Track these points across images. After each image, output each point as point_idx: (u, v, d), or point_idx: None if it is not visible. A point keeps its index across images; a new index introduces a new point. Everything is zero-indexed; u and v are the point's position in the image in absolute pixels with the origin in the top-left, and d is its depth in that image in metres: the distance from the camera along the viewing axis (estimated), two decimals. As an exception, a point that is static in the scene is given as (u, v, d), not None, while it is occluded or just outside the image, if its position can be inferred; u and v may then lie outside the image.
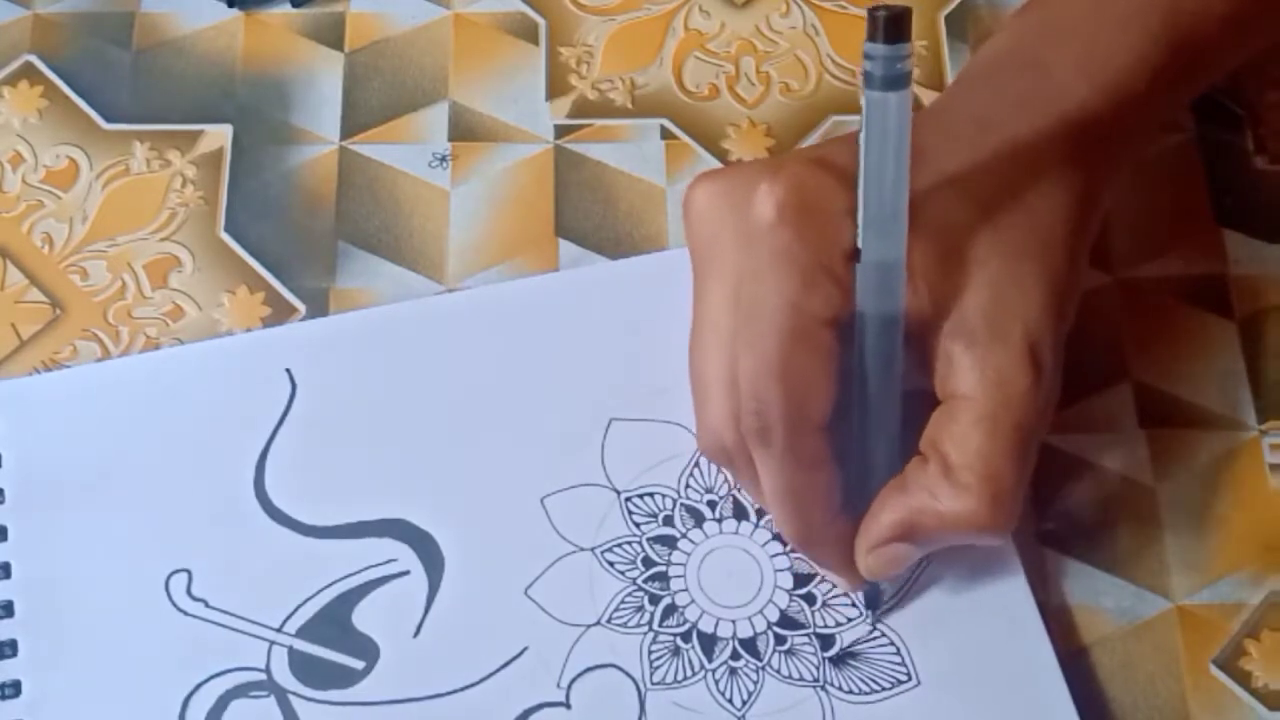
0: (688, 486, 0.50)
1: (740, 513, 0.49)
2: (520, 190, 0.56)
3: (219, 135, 0.57)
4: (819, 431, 0.43)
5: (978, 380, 0.43)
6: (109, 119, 0.57)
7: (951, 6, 0.59)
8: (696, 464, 0.50)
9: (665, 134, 0.57)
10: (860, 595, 0.47)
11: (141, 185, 0.56)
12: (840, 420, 0.44)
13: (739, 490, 0.49)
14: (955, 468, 0.43)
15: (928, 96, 0.57)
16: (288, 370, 0.51)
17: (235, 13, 0.59)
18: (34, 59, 0.58)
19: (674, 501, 0.49)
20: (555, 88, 0.58)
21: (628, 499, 0.49)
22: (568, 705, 0.46)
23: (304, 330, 0.53)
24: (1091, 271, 0.53)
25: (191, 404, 0.51)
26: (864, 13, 0.40)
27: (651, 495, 0.49)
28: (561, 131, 0.57)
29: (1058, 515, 0.50)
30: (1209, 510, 0.50)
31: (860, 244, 0.42)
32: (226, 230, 0.55)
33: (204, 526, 0.49)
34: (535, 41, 0.59)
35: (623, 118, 0.57)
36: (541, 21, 0.59)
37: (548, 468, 0.50)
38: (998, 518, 0.43)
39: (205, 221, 0.55)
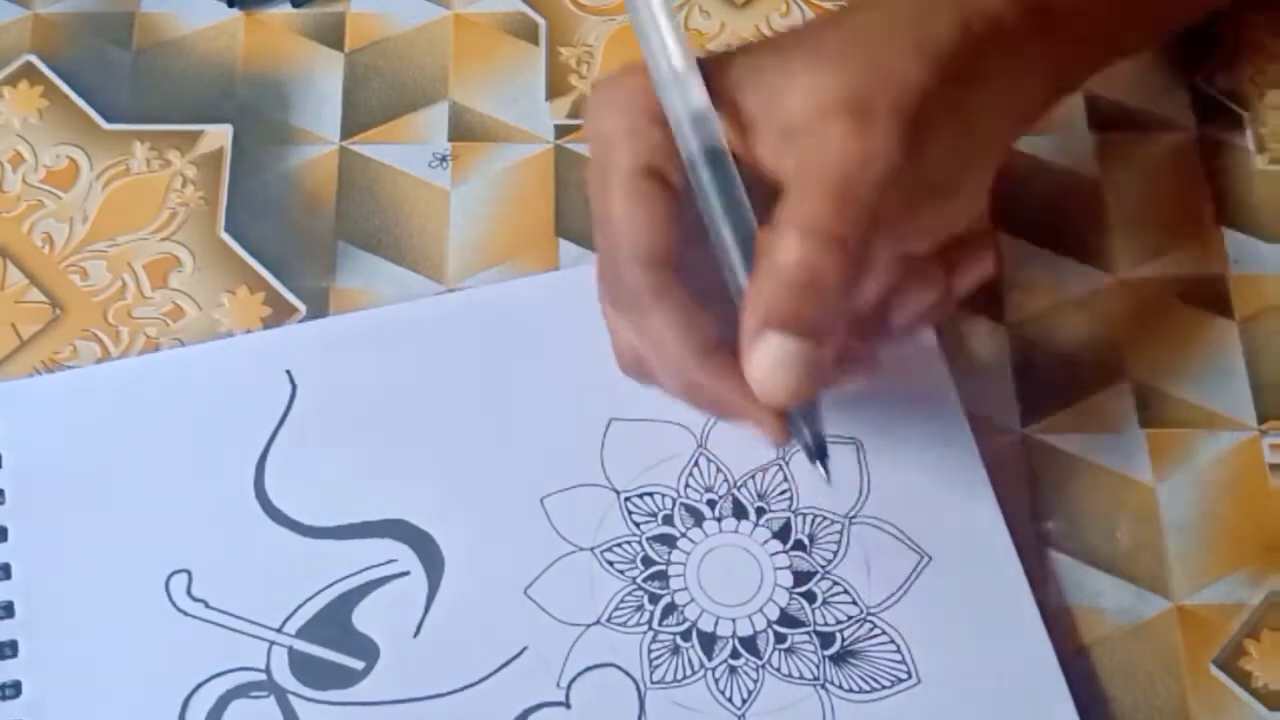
0: (687, 486, 0.50)
1: (740, 512, 0.49)
2: (520, 190, 0.56)
3: (219, 135, 0.56)
4: (665, 268, 0.43)
5: (797, 157, 0.43)
6: (109, 119, 0.57)
7: None
8: (696, 463, 0.50)
9: (665, 134, 0.57)
10: (804, 451, 0.45)
11: (141, 185, 0.56)
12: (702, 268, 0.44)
13: (738, 488, 0.49)
14: (779, 223, 0.42)
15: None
16: (288, 371, 0.51)
17: (235, 13, 0.59)
18: (34, 59, 0.58)
19: (673, 501, 0.49)
20: (555, 88, 0.58)
21: (627, 498, 0.49)
22: (567, 705, 0.46)
23: (304, 331, 0.53)
24: (1091, 271, 0.53)
25: (191, 405, 0.51)
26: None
27: (651, 495, 0.49)
28: (561, 131, 0.57)
29: (1058, 515, 0.50)
30: (1209, 510, 0.50)
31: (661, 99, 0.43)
32: (226, 230, 0.55)
33: (204, 527, 0.49)
34: (535, 41, 0.59)
35: (623, 118, 0.57)
36: (541, 21, 0.59)
37: (547, 468, 0.50)
38: (823, 246, 0.42)
39: (205, 221, 0.55)
